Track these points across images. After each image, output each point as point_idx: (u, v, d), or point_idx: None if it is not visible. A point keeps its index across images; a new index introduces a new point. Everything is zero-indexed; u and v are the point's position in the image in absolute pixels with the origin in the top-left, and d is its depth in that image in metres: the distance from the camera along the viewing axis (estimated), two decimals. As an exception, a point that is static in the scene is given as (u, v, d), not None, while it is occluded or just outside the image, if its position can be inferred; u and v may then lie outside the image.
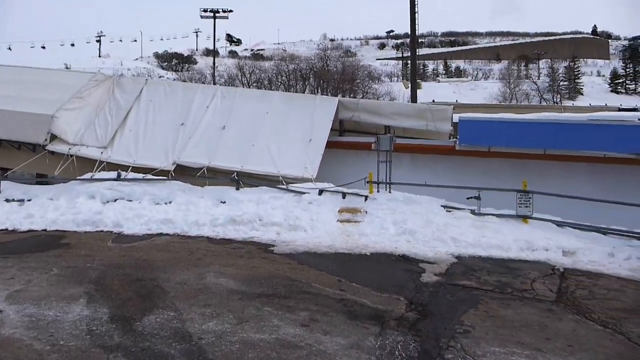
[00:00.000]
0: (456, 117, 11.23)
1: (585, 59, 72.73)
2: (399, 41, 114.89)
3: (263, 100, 11.92)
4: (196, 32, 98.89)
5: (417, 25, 21.49)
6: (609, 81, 65.11)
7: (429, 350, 3.81)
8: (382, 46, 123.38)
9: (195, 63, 76.12)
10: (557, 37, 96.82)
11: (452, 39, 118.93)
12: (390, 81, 66.18)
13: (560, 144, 10.19)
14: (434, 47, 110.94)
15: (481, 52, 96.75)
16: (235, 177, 9.83)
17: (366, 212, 8.87)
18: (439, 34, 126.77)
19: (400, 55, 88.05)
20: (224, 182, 10.11)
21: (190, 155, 10.62)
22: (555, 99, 56.97)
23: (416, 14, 21.27)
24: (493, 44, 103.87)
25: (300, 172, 10.23)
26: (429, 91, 55.07)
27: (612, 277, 6.66)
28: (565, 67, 65.11)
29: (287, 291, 4.97)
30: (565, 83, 62.48)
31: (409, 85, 25.26)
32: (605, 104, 42.52)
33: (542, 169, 10.48)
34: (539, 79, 65.40)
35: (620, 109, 40.53)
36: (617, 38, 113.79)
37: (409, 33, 23.13)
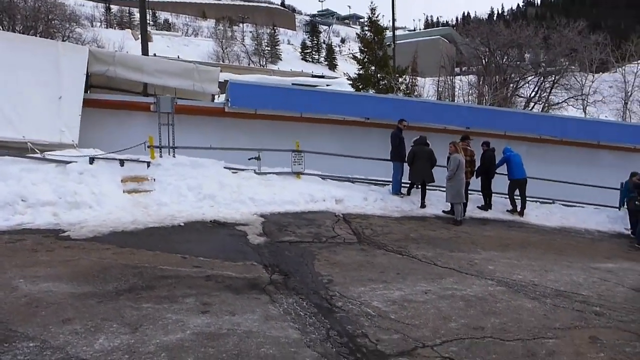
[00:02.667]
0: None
1: (277, 27, 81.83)
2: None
3: (-25, 41, 8.88)
4: None
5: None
6: (300, 50, 76.40)
7: (320, 303, 4.21)
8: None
9: None
10: (255, 3, 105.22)
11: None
12: (92, 26, 57.98)
13: (312, 109, 11.77)
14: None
15: (187, 7, 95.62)
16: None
17: (154, 179, 8.16)
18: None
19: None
20: None
21: None
22: (261, 62, 63.01)
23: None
24: (198, 0, 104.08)
25: (57, 137, 8.37)
26: (138, 42, 51.30)
27: (374, 216, 8.56)
28: (267, 33, 72.24)
29: (144, 281, 4.33)
30: (268, 48, 69.64)
31: (139, 36, 23.06)
32: (302, 70, 50.16)
33: (298, 129, 11.91)
34: (242, 42, 70.20)
35: (313, 76, 48.67)
36: (300, 12, 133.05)
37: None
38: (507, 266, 6.10)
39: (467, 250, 6.79)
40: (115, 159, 8.31)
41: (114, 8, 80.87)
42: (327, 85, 39.94)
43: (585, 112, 30.58)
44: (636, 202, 9.50)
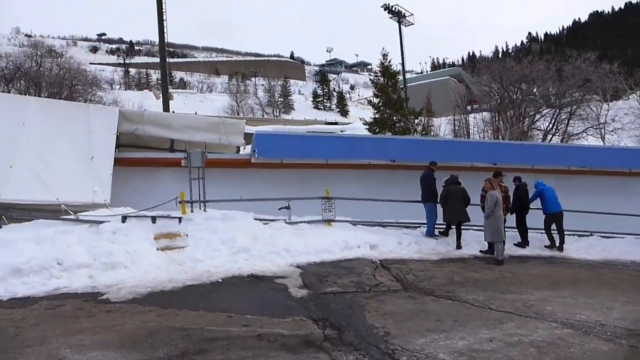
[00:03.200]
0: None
1: (288, 79, 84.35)
2: (114, 46, 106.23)
3: (12, 106, 9.20)
4: None
5: (165, 34, 20.54)
6: (312, 99, 78.44)
7: (383, 359, 3.95)
8: (94, 49, 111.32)
9: None
10: (266, 58, 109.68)
11: (172, 49, 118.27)
12: (112, 88, 60.58)
13: (337, 155, 11.75)
14: (154, 56, 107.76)
15: (201, 66, 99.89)
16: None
17: (186, 235, 8.09)
18: (157, 42, 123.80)
19: (122, 61, 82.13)
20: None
21: None
22: (274, 113, 64.56)
23: (164, 22, 20.31)
24: (211, 59, 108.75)
25: (89, 198, 8.45)
26: (159, 101, 53.24)
27: (412, 260, 8.28)
28: (280, 85, 74.60)
29: (194, 344, 4.12)
30: (281, 99, 71.64)
31: (159, 95, 23.90)
32: (315, 118, 51.09)
33: (324, 176, 11.86)
34: (255, 95, 72.46)
35: (326, 123, 49.53)
36: (309, 64, 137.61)
37: (157, 39, 21.82)
38: (565, 305, 5.73)
39: (517, 291, 6.44)
40: (147, 216, 8.28)
41: (132, 71, 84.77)
42: (342, 131, 40.46)
43: (604, 141, 30.20)
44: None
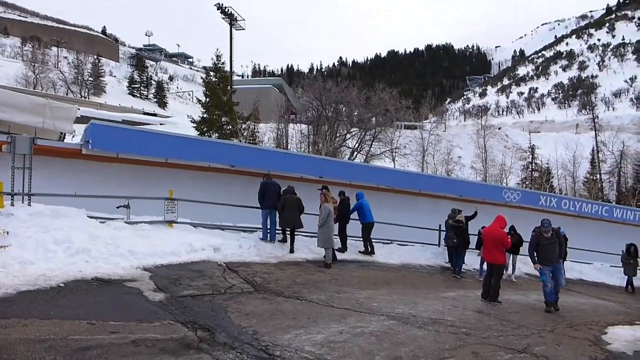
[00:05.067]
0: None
1: (100, 57, 75.55)
2: None
3: None
4: None
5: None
6: (128, 84, 71.47)
7: (260, 355, 4.40)
8: None
9: None
10: (72, 27, 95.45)
11: None
12: None
13: (178, 155, 11.54)
14: None
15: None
16: None
17: (7, 232, 7.01)
18: None
19: None
20: None
21: None
22: (82, 93, 56.62)
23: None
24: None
25: None
26: None
27: (255, 263, 8.88)
28: (91, 63, 65.75)
29: (65, 356, 3.82)
30: (91, 79, 63.24)
31: None
32: (132, 106, 47.06)
33: (163, 175, 11.49)
34: (57, 67, 62.60)
35: (144, 113, 46.22)
36: (123, 44, 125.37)
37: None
38: (385, 302, 7.14)
39: (349, 291, 7.66)
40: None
41: None
42: (161, 124, 38.62)
43: (394, 162, 36.20)
44: (454, 240, 11.86)
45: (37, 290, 5.63)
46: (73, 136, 10.59)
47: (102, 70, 67.52)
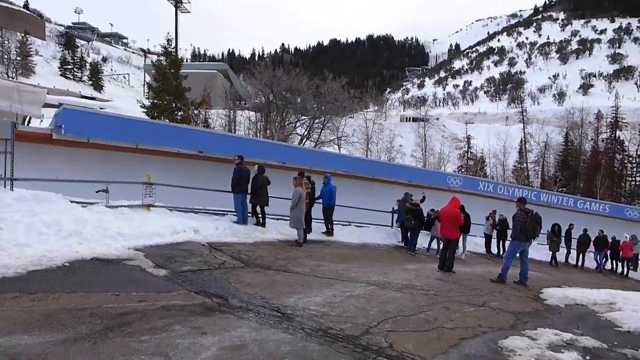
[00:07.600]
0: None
1: (28, 35, 69.95)
2: None
3: None
4: None
5: None
6: (60, 65, 66.79)
7: (274, 314, 5.10)
8: None
9: None
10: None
11: None
12: None
13: (148, 141, 11.73)
14: None
15: None
16: None
17: (-5, 217, 7.09)
18: None
19: None
20: None
21: None
22: (9, 73, 52.22)
23: None
24: None
25: None
26: None
27: (234, 243, 9.46)
28: (18, 41, 60.56)
29: (110, 319, 4.28)
30: (19, 58, 58.45)
31: None
32: (68, 89, 44.40)
33: (133, 160, 11.64)
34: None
35: (82, 96, 43.83)
36: (49, 21, 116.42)
37: None
38: (361, 273, 8.06)
39: (326, 265, 8.50)
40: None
41: None
42: (101, 108, 37.15)
43: (340, 150, 37.42)
44: (412, 222, 13.06)
45: (46, 269, 5.90)
46: (41, 121, 10.42)
47: (31, 49, 62.62)
